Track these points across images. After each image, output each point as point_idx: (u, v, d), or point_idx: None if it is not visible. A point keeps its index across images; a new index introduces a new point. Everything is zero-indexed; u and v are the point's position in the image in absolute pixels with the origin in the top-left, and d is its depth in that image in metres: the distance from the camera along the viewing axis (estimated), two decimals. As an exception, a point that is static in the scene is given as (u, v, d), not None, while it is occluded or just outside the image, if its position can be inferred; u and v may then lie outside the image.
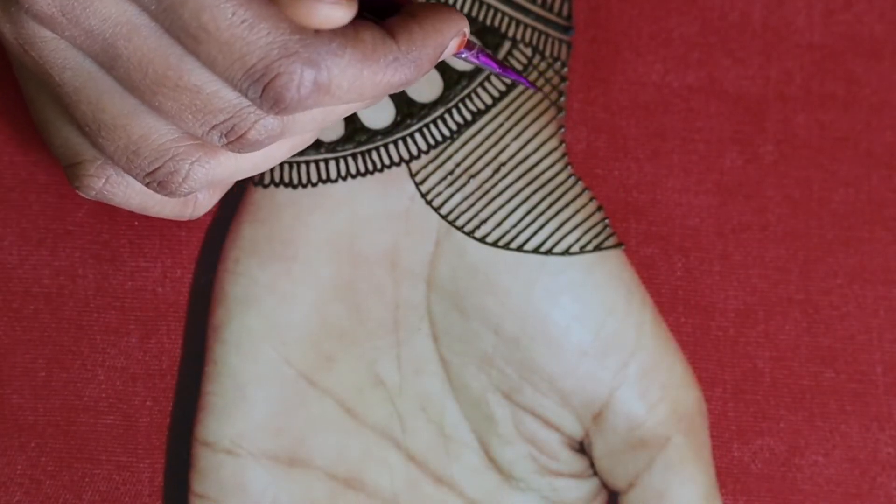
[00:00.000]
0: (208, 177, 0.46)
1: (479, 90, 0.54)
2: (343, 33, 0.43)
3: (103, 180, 0.47)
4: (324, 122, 0.46)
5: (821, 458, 0.52)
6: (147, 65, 0.43)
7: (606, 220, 0.53)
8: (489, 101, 0.54)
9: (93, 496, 0.51)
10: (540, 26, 0.55)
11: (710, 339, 0.53)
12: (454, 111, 0.54)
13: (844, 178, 0.54)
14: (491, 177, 0.54)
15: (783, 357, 0.53)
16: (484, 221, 0.53)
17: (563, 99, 0.54)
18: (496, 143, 0.54)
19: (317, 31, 0.42)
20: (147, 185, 0.46)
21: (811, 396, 0.53)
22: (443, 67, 0.54)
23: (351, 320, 0.52)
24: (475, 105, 0.54)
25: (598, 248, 0.53)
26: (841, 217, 0.54)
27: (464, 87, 0.54)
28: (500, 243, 0.53)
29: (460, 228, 0.53)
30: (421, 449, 0.51)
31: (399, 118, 0.54)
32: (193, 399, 0.52)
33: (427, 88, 0.54)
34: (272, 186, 0.53)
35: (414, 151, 0.54)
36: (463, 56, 0.49)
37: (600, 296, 0.53)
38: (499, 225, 0.53)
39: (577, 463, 0.52)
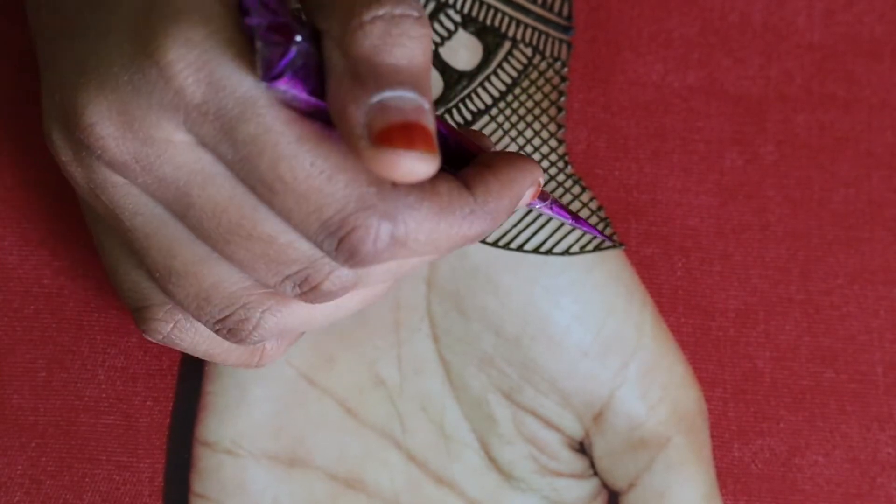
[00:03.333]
0: (279, 326, 0.45)
1: (480, 90, 0.54)
2: (420, 186, 0.41)
3: (171, 325, 0.46)
4: (398, 272, 0.45)
5: (821, 458, 0.52)
6: (221, 214, 0.42)
7: (607, 220, 0.53)
8: (489, 101, 0.54)
9: (93, 496, 0.51)
10: (540, 26, 0.55)
11: (711, 339, 0.53)
12: (454, 111, 0.54)
13: (844, 178, 0.54)
14: (491, 177, 0.54)
15: (783, 357, 0.53)
16: (484, 221, 0.53)
17: (563, 99, 0.54)
18: (496, 143, 0.54)
19: (394, 184, 0.41)
20: (216, 331, 0.45)
21: (811, 396, 0.53)
22: (442, 67, 0.54)
23: (351, 320, 0.52)
24: (475, 105, 0.54)
25: (598, 248, 0.53)
26: (841, 217, 0.54)
27: (464, 87, 0.54)
28: (501, 243, 0.53)
29: (461, 228, 0.53)
30: (421, 449, 0.51)
31: (399, 118, 0.54)
32: (194, 399, 0.52)
33: (427, 88, 0.54)
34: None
35: (414, 151, 0.54)
36: (537, 207, 0.48)
37: (601, 296, 0.53)
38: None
39: (577, 463, 0.52)
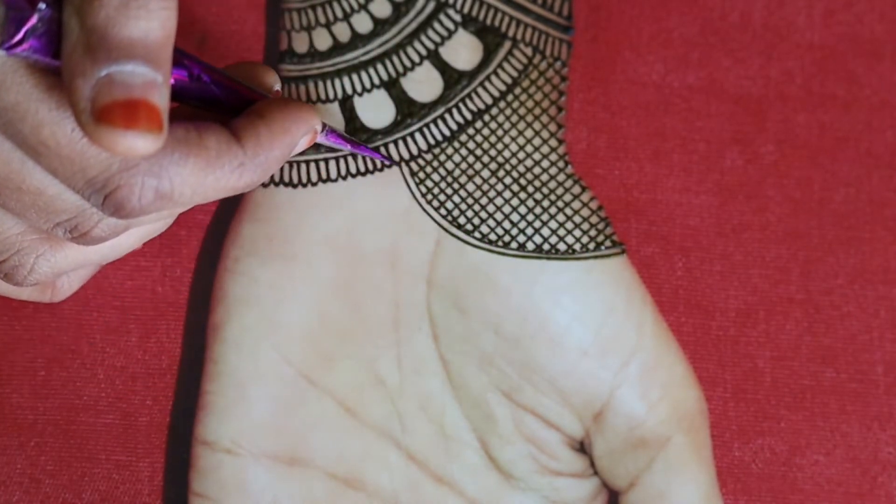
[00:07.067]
0: (53, 269, 0.46)
1: (480, 90, 0.54)
2: (186, 140, 0.42)
3: None
4: (172, 215, 0.46)
5: (821, 457, 0.52)
6: None
7: (607, 220, 0.53)
8: (489, 100, 0.54)
9: (92, 495, 0.51)
10: (540, 26, 0.55)
11: (711, 339, 0.53)
12: (454, 111, 0.54)
13: (844, 178, 0.54)
14: (491, 177, 0.54)
15: (784, 357, 0.53)
16: (484, 221, 0.53)
17: (563, 99, 0.54)
18: (496, 142, 0.54)
19: None
20: None
21: (812, 396, 0.53)
22: (443, 67, 0.54)
23: (351, 319, 0.52)
24: (475, 105, 0.54)
25: (598, 247, 0.53)
26: (841, 217, 0.54)
27: (464, 87, 0.54)
28: (500, 244, 0.53)
29: (460, 228, 0.53)
30: (421, 448, 0.51)
31: (399, 118, 0.54)
32: (193, 398, 0.51)
33: (427, 88, 0.54)
34: (272, 186, 0.53)
35: (414, 151, 0.54)
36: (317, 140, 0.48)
37: (601, 295, 0.53)
38: (499, 225, 0.53)
39: (577, 462, 0.52)
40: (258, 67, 0.47)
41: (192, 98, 0.44)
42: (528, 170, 0.54)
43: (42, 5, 0.40)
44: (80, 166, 0.41)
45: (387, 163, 0.53)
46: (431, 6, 0.55)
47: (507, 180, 0.54)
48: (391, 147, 0.54)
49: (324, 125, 0.48)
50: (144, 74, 0.39)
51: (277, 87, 0.47)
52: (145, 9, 0.40)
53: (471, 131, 0.54)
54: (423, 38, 0.54)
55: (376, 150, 0.52)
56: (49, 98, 0.41)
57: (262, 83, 0.47)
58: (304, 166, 0.53)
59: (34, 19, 0.40)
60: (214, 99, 0.44)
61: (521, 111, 0.54)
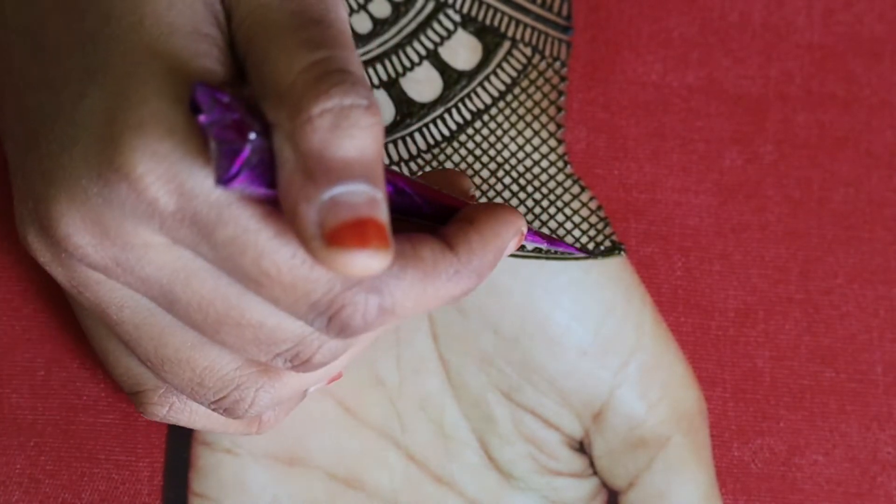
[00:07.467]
0: (274, 399, 0.46)
1: (479, 90, 0.54)
2: (402, 253, 0.42)
3: (167, 408, 0.47)
4: (386, 329, 0.46)
5: (821, 457, 0.52)
6: (207, 306, 0.42)
7: (606, 220, 0.53)
8: (489, 100, 0.54)
9: (92, 495, 0.51)
10: (539, 26, 0.55)
11: (710, 339, 0.53)
12: (454, 111, 0.54)
13: (844, 178, 0.54)
14: (490, 177, 0.54)
15: (783, 357, 0.53)
16: (484, 221, 0.53)
17: (562, 98, 0.54)
18: (495, 142, 0.54)
19: None
20: (213, 410, 0.46)
21: (811, 396, 0.53)
22: (442, 67, 0.54)
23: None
24: (475, 105, 0.54)
25: (597, 247, 0.53)
26: (841, 217, 0.54)
27: (463, 87, 0.54)
28: (500, 243, 0.53)
29: (460, 228, 0.53)
30: (420, 448, 0.51)
31: (398, 118, 0.54)
32: (193, 398, 0.51)
33: (427, 88, 0.54)
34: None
35: (413, 151, 0.54)
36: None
37: (600, 295, 0.53)
38: (498, 224, 0.53)
39: (576, 462, 0.52)
40: (452, 174, 0.48)
41: (398, 211, 0.43)
42: (528, 170, 0.54)
43: (252, 135, 0.39)
44: (302, 291, 0.41)
45: (582, 255, 0.53)
46: (431, 6, 0.55)
47: (507, 180, 0.54)
48: (391, 147, 0.54)
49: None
50: (366, 192, 0.39)
51: (473, 190, 0.47)
52: (357, 127, 0.39)
53: (470, 131, 0.54)
54: (423, 38, 0.54)
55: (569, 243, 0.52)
56: (266, 227, 0.40)
57: (457, 188, 0.47)
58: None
59: (247, 151, 0.39)
60: (417, 209, 0.44)
61: (521, 111, 0.54)
